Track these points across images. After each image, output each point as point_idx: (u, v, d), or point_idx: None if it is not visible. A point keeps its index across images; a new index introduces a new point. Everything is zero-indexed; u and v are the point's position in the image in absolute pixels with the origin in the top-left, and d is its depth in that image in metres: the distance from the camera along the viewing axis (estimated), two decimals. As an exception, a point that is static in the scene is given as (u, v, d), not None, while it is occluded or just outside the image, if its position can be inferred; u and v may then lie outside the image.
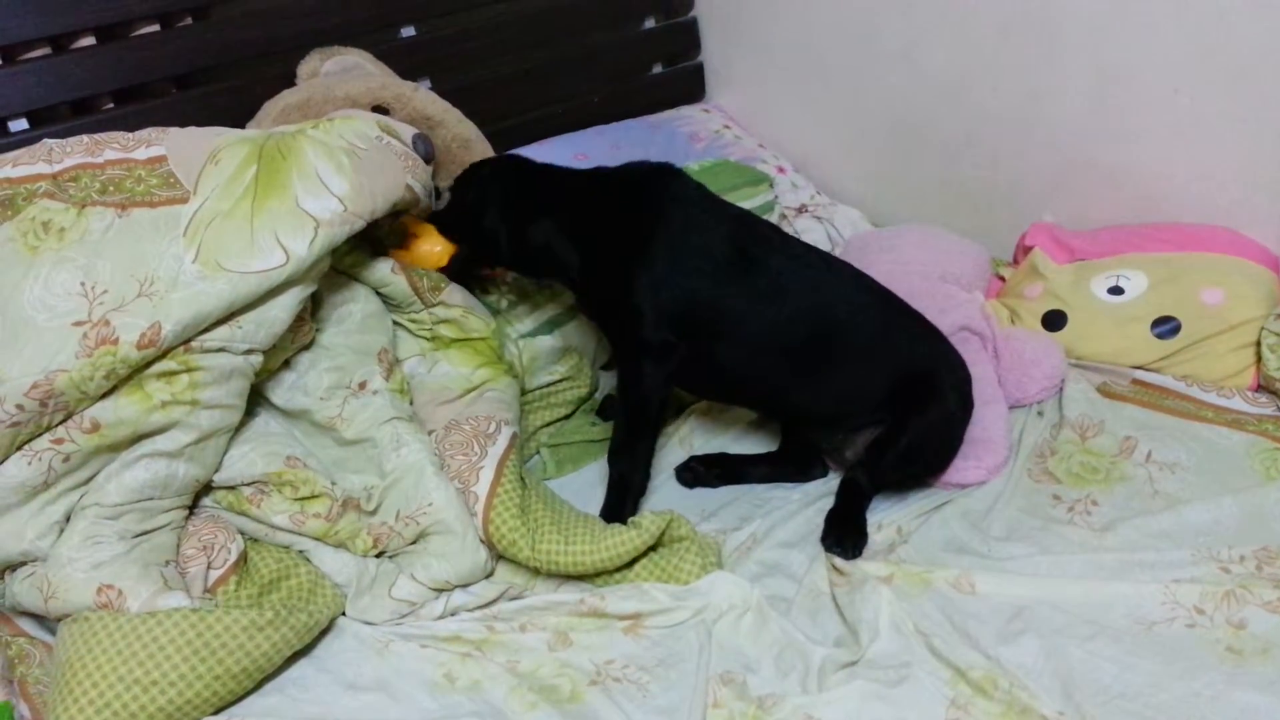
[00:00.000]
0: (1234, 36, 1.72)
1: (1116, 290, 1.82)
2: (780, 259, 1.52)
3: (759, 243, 1.53)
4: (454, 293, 1.61)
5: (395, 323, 1.61)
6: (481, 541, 1.41)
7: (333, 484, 1.41)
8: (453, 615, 1.39)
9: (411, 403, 1.55)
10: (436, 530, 1.39)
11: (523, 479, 1.48)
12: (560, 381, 1.78)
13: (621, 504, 1.53)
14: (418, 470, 1.42)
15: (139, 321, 1.23)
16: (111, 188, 1.32)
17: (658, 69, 2.58)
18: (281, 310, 1.33)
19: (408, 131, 1.59)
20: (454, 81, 2.15)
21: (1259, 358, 1.68)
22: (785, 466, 1.66)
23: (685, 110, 2.53)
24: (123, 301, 1.24)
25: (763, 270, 1.50)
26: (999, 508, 1.53)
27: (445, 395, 1.57)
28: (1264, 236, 1.81)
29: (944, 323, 1.65)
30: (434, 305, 1.59)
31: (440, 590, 1.38)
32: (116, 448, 1.28)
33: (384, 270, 1.53)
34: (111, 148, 1.36)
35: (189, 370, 1.28)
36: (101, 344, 1.22)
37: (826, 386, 1.53)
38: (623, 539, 1.37)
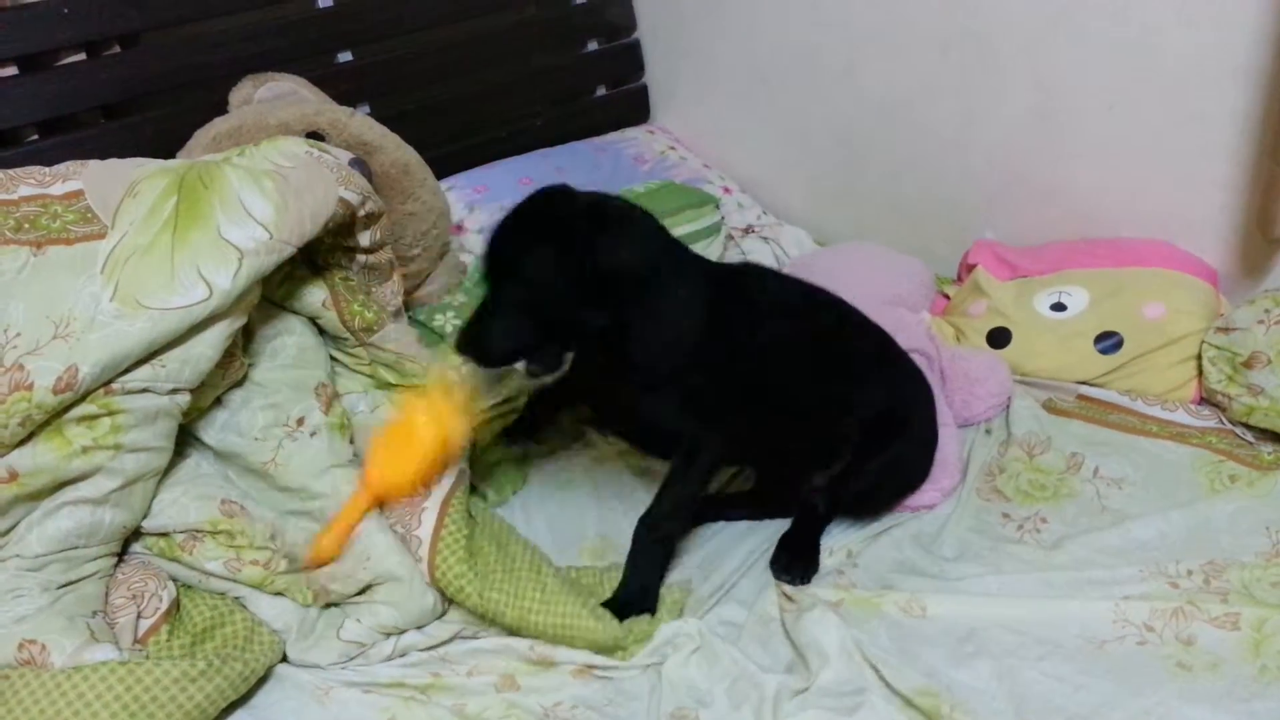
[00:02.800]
0: (1164, 51, 1.75)
1: (1059, 306, 1.84)
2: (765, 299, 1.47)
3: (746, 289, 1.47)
4: (388, 335, 1.53)
5: (334, 357, 1.55)
6: (429, 585, 1.37)
7: (271, 537, 1.35)
8: (403, 656, 1.34)
9: (352, 440, 1.50)
10: (381, 580, 1.34)
11: (471, 515, 1.44)
12: (500, 404, 1.74)
13: (644, 594, 1.38)
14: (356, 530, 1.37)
15: (54, 365, 1.17)
16: (26, 225, 1.26)
17: (601, 91, 2.57)
18: (207, 347, 1.27)
19: (344, 156, 1.54)
20: (394, 107, 2.12)
21: (1200, 371, 1.70)
22: (765, 506, 1.59)
23: (630, 132, 2.53)
24: (37, 344, 1.18)
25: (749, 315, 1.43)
26: (949, 528, 1.52)
27: None
28: (1201, 250, 1.84)
29: None
30: (368, 344, 1.53)
31: (389, 633, 1.34)
32: (37, 496, 1.22)
33: (316, 303, 1.48)
34: (27, 183, 1.30)
35: (110, 413, 1.22)
36: (15, 390, 1.16)
37: (824, 425, 1.50)
38: (574, 620, 1.30)
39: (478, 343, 1.33)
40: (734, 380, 1.38)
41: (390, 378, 1.55)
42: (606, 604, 1.36)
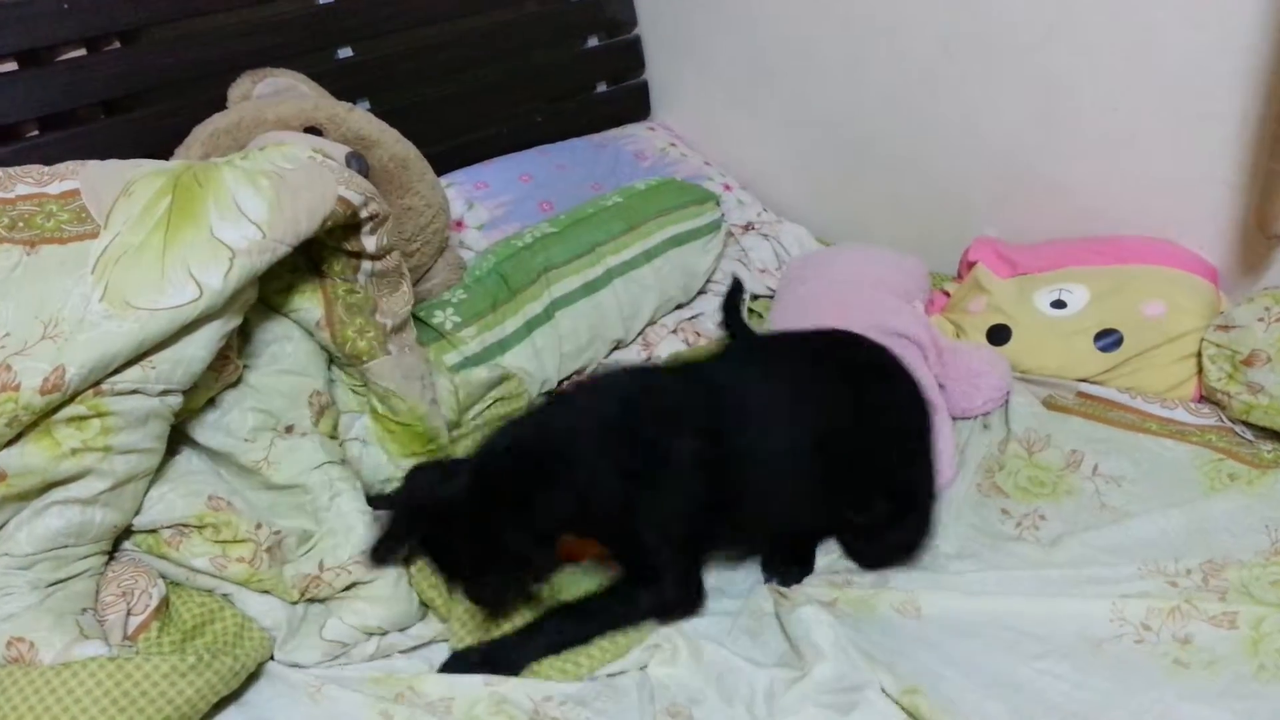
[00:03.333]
0: (1166, 51, 1.74)
1: (1059, 304, 1.83)
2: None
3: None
4: (381, 369, 1.50)
5: (332, 368, 1.54)
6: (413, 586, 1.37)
7: (257, 527, 1.34)
8: (386, 658, 1.35)
9: (343, 445, 1.49)
10: (369, 577, 1.34)
11: None
12: (492, 405, 1.74)
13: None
14: (350, 519, 1.37)
15: (41, 365, 1.16)
16: (21, 223, 1.25)
17: (602, 87, 2.56)
18: (199, 348, 1.26)
19: (340, 150, 1.53)
20: (393, 102, 2.12)
21: (1200, 369, 1.69)
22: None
23: (630, 128, 2.53)
24: (25, 345, 1.17)
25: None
26: (948, 523, 1.52)
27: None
28: (1202, 248, 1.83)
29: (875, 325, 1.63)
30: (361, 369, 1.51)
31: (372, 634, 1.34)
32: (26, 497, 1.21)
33: (311, 321, 1.46)
34: (24, 182, 1.30)
35: (100, 415, 1.21)
36: (2, 390, 1.15)
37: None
38: None
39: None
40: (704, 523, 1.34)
41: (379, 408, 1.53)
42: (456, 658, 1.31)
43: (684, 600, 1.36)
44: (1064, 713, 1.19)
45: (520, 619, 1.33)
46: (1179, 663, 1.23)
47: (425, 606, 1.39)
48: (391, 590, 1.34)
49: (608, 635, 1.31)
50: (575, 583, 1.40)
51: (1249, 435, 1.60)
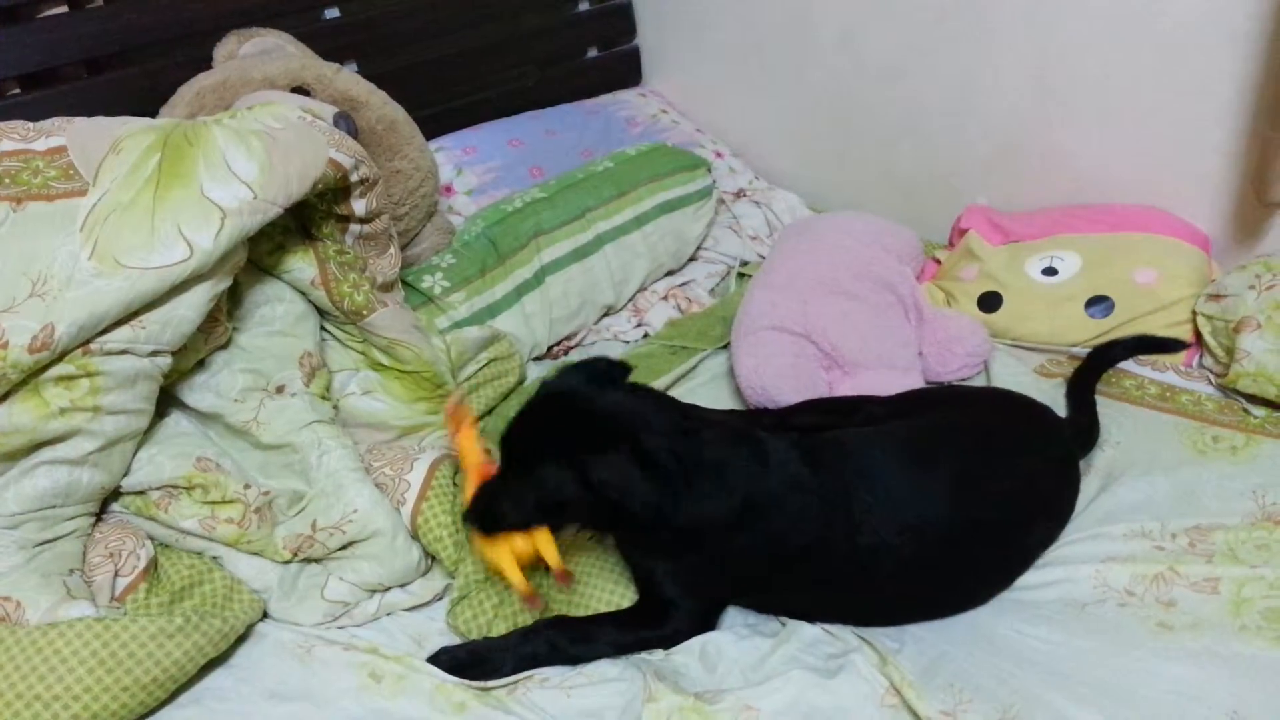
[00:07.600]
0: (1161, 19, 1.72)
1: (1050, 271, 1.83)
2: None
3: None
4: (382, 320, 1.50)
5: (325, 329, 1.53)
6: (412, 538, 1.36)
7: (246, 487, 1.33)
8: (388, 615, 1.35)
9: (335, 407, 1.48)
10: (364, 536, 1.34)
11: (456, 484, 1.43)
12: (486, 366, 1.74)
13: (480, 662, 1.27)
14: (339, 478, 1.37)
15: (30, 324, 1.15)
16: (7, 180, 1.24)
17: (593, 52, 2.54)
18: (189, 309, 1.25)
19: (328, 111, 1.52)
20: (381, 65, 2.10)
21: (1198, 336, 1.69)
22: None
23: (622, 94, 2.51)
24: (13, 302, 1.16)
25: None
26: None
27: (380, 434, 1.51)
28: (1194, 216, 1.82)
29: (868, 276, 1.64)
30: (360, 325, 1.50)
31: (374, 591, 1.34)
32: (13, 456, 1.20)
33: (305, 280, 1.45)
34: (10, 138, 1.28)
35: (89, 375, 1.20)
36: (-10, 348, 1.14)
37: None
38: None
39: (485, 512, 1.24)
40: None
41: (383, 360, 1.53)
42: (444, 652, 1.28)
43: (691, 635, 1.30)
44: (1045, 670, 1.19)
45: (518, 621, 1.31)
46: (1163, 625, 1.24)
47: (430, 559, 1.39)
48: (389, 546, 1.33)
49: (602, 660, 1.26)
50: (581, 602, 1.37)
51: (1239, 400, 1.61)
